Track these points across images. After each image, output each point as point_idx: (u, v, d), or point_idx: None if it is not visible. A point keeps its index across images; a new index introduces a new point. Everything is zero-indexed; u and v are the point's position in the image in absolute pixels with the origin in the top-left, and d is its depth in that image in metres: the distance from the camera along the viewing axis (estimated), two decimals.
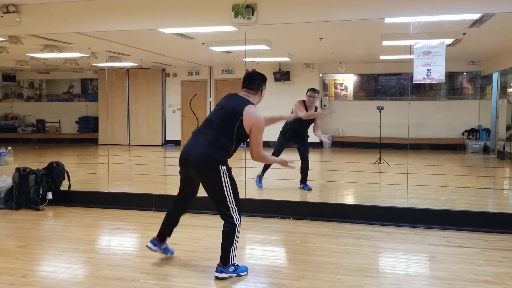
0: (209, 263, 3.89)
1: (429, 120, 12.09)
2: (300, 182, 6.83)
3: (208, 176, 3.55)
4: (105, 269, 3.80)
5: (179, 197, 3.87)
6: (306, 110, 6.59)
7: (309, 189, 6.74)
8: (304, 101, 6.66)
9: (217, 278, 3.54)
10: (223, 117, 3.59)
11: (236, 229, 3.56)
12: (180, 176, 3.81)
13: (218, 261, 3.59)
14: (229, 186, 3.54)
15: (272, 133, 6.93)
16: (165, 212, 3.97)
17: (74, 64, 11.26)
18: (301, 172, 6.81)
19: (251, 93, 3.73)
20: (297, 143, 6.83)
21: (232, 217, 3.56)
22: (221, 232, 3.58)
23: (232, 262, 3.58)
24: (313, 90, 6.70)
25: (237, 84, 13.57)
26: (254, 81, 3.74)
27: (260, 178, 6.90)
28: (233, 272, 3.58)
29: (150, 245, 3.89)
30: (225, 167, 3.53)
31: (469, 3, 5.13)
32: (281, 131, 6.91)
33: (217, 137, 3.54)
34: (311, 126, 6.83)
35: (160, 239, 3.92)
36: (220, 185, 3.51)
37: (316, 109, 6.72)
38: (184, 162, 3.64)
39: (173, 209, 3.91)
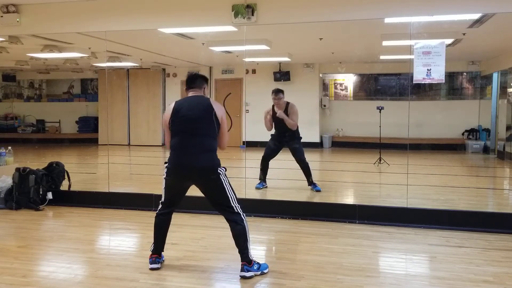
0: (209, 263, 3.89)
1: (429, 120, 12.08)
2: (308, 184, 6.72)
3: (211, 182, 3.61)
4: (105, 269, 3.80)
5: (170, 210, 3.82)
6: (274, 112, 6.68)
7: (318, 190, 6.58)
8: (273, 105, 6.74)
9: (244, 277, 3.55)
10: (202, 120, 3.62)
11: (245, 223, 3.62)
12: (169, 190, 3.74)
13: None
14: (229, 185, 3.63)
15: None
16: None
17: (74, 64, 11.25)
18: (304, 175, 6.73)
19: (197, 91, 3.80)
20: (288, 146, 6.76)
21: (239, 214, 3.62)
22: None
23: (252, 258, 3.62)
24: (275, 92, 6.69)
25: (237, 84, 13.66)
26: (196, 80, 3.82)
27: (262, 184, 6.83)
28: (258, 270, 3.62)
29: (155, 266, 3.75)
30: (222, 168, 3.63)
31: (469, 3, 5.13)
32: (271, 134, 6.90)
33: (207, 142, 3.62)
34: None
35: (159, 252, 3.84)
36: (222, 188, 3.60)
37: (287, 106, 6.65)
38: (182, 174, 3.65)
39: (165, 219, 3.81)
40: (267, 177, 6.88)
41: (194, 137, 3.61)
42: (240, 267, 3.58)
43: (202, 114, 3.63)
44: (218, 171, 3.59)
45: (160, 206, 3.82)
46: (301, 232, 4.90)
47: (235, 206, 3.62)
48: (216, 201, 3.67)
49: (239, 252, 3.60)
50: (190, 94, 3.81)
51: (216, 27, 6.17)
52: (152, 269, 3.73)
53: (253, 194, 6.42)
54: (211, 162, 3.60)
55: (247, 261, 3.57)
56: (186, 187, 3.79)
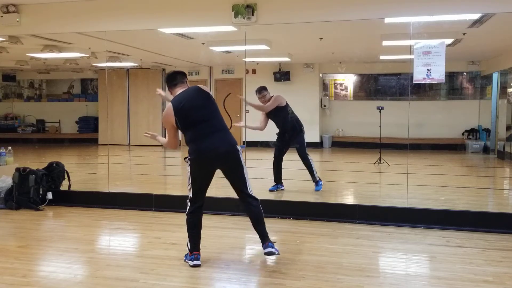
0: (209, 263, 3.89)
1: (429, 120, 12.07)
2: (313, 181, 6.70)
3: (235, 159, 3.81)
4: (105, 269, 3.80)
5: (200, 205, 3.86)
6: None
7: (318, 190, 6.55)
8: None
9: (276, 253, 3.79)
10: (207, 106, 3.84)
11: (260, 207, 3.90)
12: (196, 182, 3.80)
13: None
14: (245, 165, 3.85)
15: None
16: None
17: (74, 64, 11.26)
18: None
19: (183, 86, 3.99)
20: (292, 142, 6.73)
21: (254, 196, 3.87)
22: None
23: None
24: (257, 91, 6.68)
25: (237, 84, 13.66)
26: (176, 76, 4.02)
27: (276, 186, 6.78)
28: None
29: (197, 263, 3.78)
30: (239, 146, 3.87)
31: (469, 3, 5.13)
32: (276, 134, 6.88)
33: (220, 122, 3.86)
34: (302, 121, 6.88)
35: (198, 249, 3.86)
36: (241, 165, 3.83)
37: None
38: (209, 158, 3.75)
39: (197, 217, 3.87)
40: (269, 177, 6.82)
41: (208, 122, 3.80)
42: (267, 245, 3.79)
43: (204, 100, 3.85)
44: (238, 147, 3.82)
45: (189, 204, 3.87)
46: (301, 232, 4.90)
47: (250, 187, 3.86)
48: (237, 179, 3.84)
49: (263, 231, 3.85)
50: (179, 90, 3.94)
51: (216, 27, 6.17)
52: (194, 265, 3.76)
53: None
54: (232, 140, 3.84)
55: (271, 239, 3.83)
56: (212, 173, 3.87)
